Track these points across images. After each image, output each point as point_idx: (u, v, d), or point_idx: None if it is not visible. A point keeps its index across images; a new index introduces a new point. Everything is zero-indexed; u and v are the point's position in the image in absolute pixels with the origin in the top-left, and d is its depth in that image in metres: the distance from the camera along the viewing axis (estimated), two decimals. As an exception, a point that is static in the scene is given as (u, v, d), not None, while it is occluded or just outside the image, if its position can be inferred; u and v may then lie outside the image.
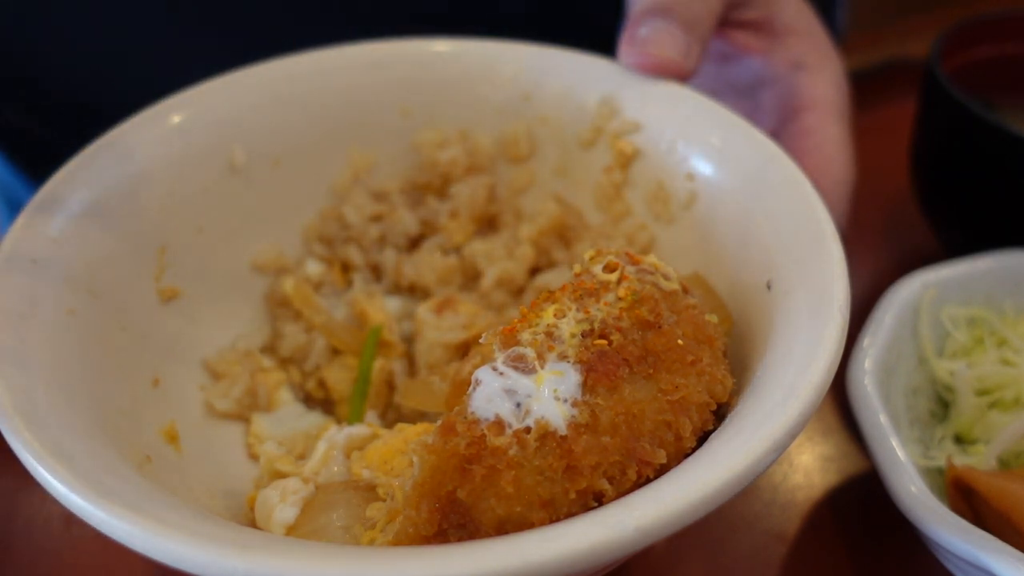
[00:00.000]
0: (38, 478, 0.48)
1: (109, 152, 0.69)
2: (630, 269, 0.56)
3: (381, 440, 0.63)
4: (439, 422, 0.50)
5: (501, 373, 0.50)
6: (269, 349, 0.77)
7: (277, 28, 1.06)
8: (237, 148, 0.76)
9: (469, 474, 0.48)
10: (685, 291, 0.58)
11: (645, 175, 0.77)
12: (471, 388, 0.50)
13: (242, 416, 0.72)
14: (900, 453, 0.66)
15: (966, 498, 0.67)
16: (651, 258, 0.58)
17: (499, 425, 0.48)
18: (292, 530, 0.57)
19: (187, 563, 0.43)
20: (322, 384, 0.75)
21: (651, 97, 0.76)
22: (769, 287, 0.61)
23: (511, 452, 0.47)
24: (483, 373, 0.50)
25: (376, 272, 0.81)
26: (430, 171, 0.83)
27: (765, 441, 0.46)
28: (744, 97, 0.89)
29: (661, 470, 0.49)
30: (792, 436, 0.47)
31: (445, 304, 0.74)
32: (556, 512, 0.48)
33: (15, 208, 0.62)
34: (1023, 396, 0.74)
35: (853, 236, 0.76)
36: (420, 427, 0.63)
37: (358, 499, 0.57)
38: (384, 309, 0.77)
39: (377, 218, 0.82)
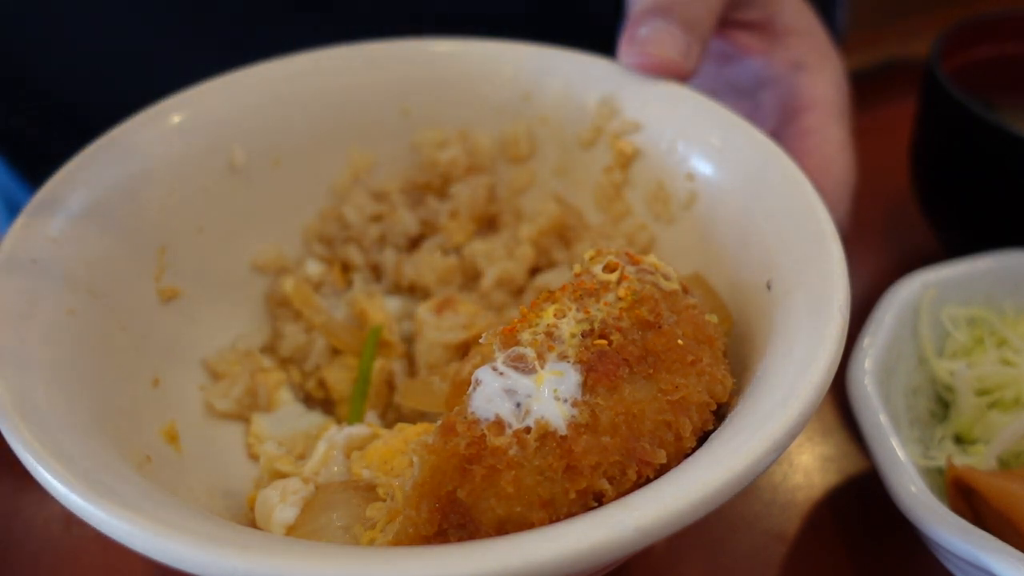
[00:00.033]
0: (38, 478, 0.48)
1: (109, 152, 0.69)
2: (630, 269, 0.56)
3: (381, 440, 0.63)
4: (439, 422, 0.50)
5: (501, 373, 0.50)
6: (269, 349, 0.77)
7: (277, 28, 1.06)
8: (237, 148, 0.76)
9: (469, 474, 0.48)
10: (685, 291, 0.58)
11: (645, 175, 0.77)
12: (471, 388, 0.50)
13: (242, 416, 0.72)
14: (900, 453, 0.66)
15: (966, 498, 0.67)
16: (651, 258, 0.58)
17: (499, 425, 0.48)
18: (292, 530, 0.57)
19: (187, 563, 0.43)
20: (322, 384, 0.75)
21: (651, 97, 0.76)
22: (769, 287, 0.61)
23: (511, 452, 0.47)
24: (483, 373, 0.50)
25: (376, 272, 0.81)
26: (430, 171, 0.83)
27: (765, 441, 0.46)
28: (744, 97, 0.89)
29: (661, 470, 0.49)
30: (792, 436, 0.47)
31: (445, 304, 0.74)
32: (556, 512, 0.48)
33: (14, 211, 0.62)
34: (1023, 396, 0.74)
35: (853, 236, 0.76)
36: (420, 427, 0.63)
37: (358, 499, 0.57)
38: (384, 309, 0.77)
39: (377, 218, 0.82)
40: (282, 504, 0.58)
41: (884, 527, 0.74)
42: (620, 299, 0.54)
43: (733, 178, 0.69)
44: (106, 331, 0.64)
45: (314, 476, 0.63)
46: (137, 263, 0.69)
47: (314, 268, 0.80)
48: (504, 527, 0.48)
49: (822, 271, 0.57)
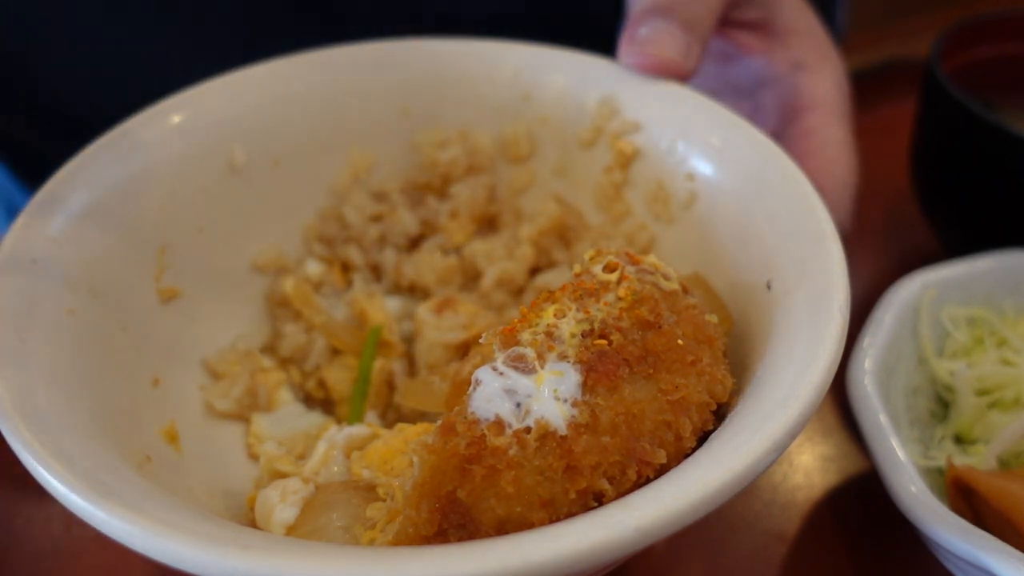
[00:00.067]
0: (38, 478, 0.48)
1: (109, 152, 0.69)
2: (630, 269, 0.56)
3: (381, 440, 0.63)
4: (439, 422, 0.50)
5: (501, 373, 0.50)
6: (269, 349, 0.77)
7: (277, 30, 1.06)
8: (237, 148, 0.76)
9: (469, 474, 0.48)
10: (685, 291, 0.58)
11: (645, 175, 0.77)
12: (471, 388, 0.50)
13: (242, 416, 0.72)
14: (900, 453, 0.66)
15: (966, 498, 0.67)
16: (651, 258, 0.58)
17: (499, 425, 0.48)
18: (292, 530, 0.57)
19: (187, 563, 0.43)
20: (322, 384, 0.75)
21: (651, 97, 0.76)
22: (769, 287, 0.61)
23: (511, 452, 0.47)
24: (483, 373, 0.50)
25: (376, 272, 0.81)
26: (430, 171, 0.83)
27: (765, 441, 0.46)
28: (744, 97, 0.89)
29: (661, 470, 0.49)
30: (792, 436, 0.47)
31: (445, 304, 0.74)
32: (556, 512, 0.48)
33: (13, 214, 0.62)
34: (1023, 396, 0.74)
35: (853, 236, 0.76)
36: (420, 427, 0.63)
37: (358, 499, 0.57)
38: (384, 309, 0.77)
39: (377, 218, 0.82)
40: (282, 504, 0.58)
41: (884, 527, 0.74)
42: (620, 299, 0.54)
43: (733, 178, 0.69)
44: (106, 331, 0.64)
45: (314, 476, 0.63)
46: (137, 263, 0.69)
47: (314, 268, 0.80)
48: (504, 527, 0.48)
49: (822, 271, 0.57)
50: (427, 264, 0.78)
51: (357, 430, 0.65)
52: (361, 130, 0.82)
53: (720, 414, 0.54)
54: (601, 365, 0.50)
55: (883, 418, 0.68)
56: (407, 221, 0.80)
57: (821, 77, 0.83)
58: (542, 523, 0.47)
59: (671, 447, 0.50)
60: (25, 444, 0.49)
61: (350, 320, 0.77)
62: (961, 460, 0.71)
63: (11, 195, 1.23)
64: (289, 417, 0.72)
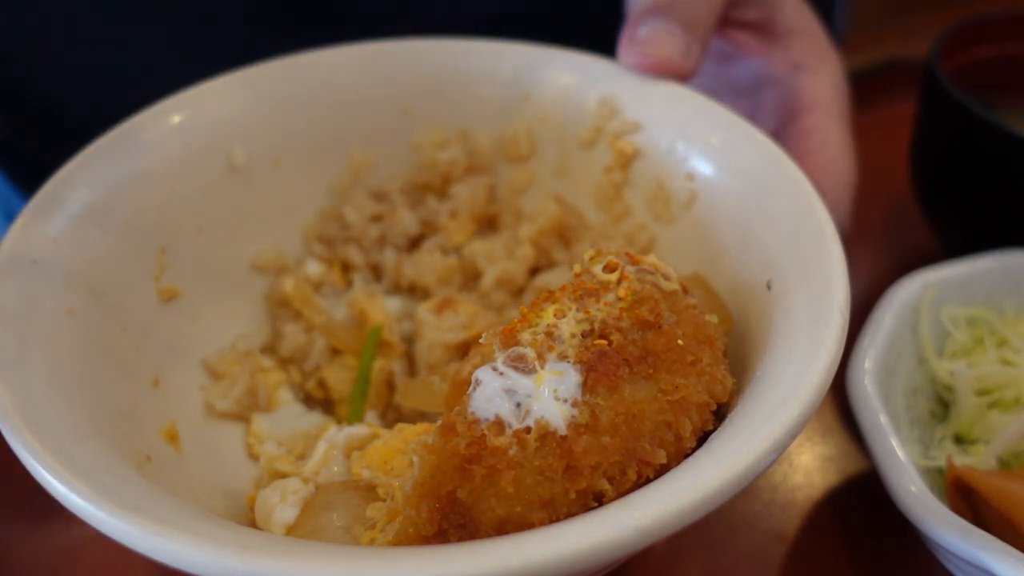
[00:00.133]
0: (38, 478, 0.48)
1: (109, 152, 0.69)
2: (630, 269, 0.56)
3: (381, 440, 0.63)
4: (439, 422, 0.50)
5: (501, 373, 0.50)
6: (269, 349, 0.77)
7: (277, 28, 1.06)
8: (237, 148, 0.76)
9: (469, 474, 0.47)
10: (685, 291, 0.58)
11: (645, 175, 0.77)
12: (471, 388, 0.50)
13: (242, 416, 0.72)
14: (900, 453, 0.66)
15: (966, 498, 0.67)
16: (651, 258, 0.58)
17: (499, 425, 0.48)
18: (292, 530, 0.57)
19: (187, 563, 0.43)
20: (322, 384, 0.75)
21: (651, 97, 0.76)
22: (769, 287, 0.61)
23: (511, 452, 0.47)
24: (483, 373, 0.50)
25: (376, 272, 0.81)
26: (430, 171, 0.83)
27: (765, 441, 0.46)
28: (744, 97, 0.89)
29: (661, 470, 0.49)
30: (792, 436, 0.47)
31: (445, 304, 0.74)
32: (556, 512, 0.48)
33: (11, 220, 0.62)
34: (1023, 396, 0.74)
35: (853, 236, 0.76)
36: (420, 427, 0.63)
37: (358, 499, 0.57)
38: (384, 309, 0.77)
39: (377, 218, 0.82)
40: (282, 504, 0.58)
41: (884, 527, 0.74)
42: (620, 299, 0.54)
43: (733, 178, 0.69)
44: (106, 331, 0.64)
45: (314, 476, 0.63)
46: (137, 263, 0.69)
47: (314, 268, 0.80)
48: (504, 527, 0.48)
49: (822, 271, 0.57)
50: (427, 264, 0.78)
51: (357, 430, 0.65)
52: (361, 130, 0.82)
53: (720, 414, 0.54)
54: (601, 365, 0.50)
55: (883, 418, 0.68)
56: (407, 221, 0.80)
57: (820, 78, 0.83)
58: (542, 523, 0.47)
59: (671, 447, 0.50)
60: (25, 444, 0.49)
61: (350, 320, 0.77)
62: (961, 460, 0.71)
63: (9, 200, 1.23)
64: (289, 417, 0.72)
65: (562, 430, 0.48)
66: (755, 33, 0.87)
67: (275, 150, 0.78)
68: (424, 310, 0.75)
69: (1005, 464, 0.72)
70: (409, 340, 0.76)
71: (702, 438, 0.52)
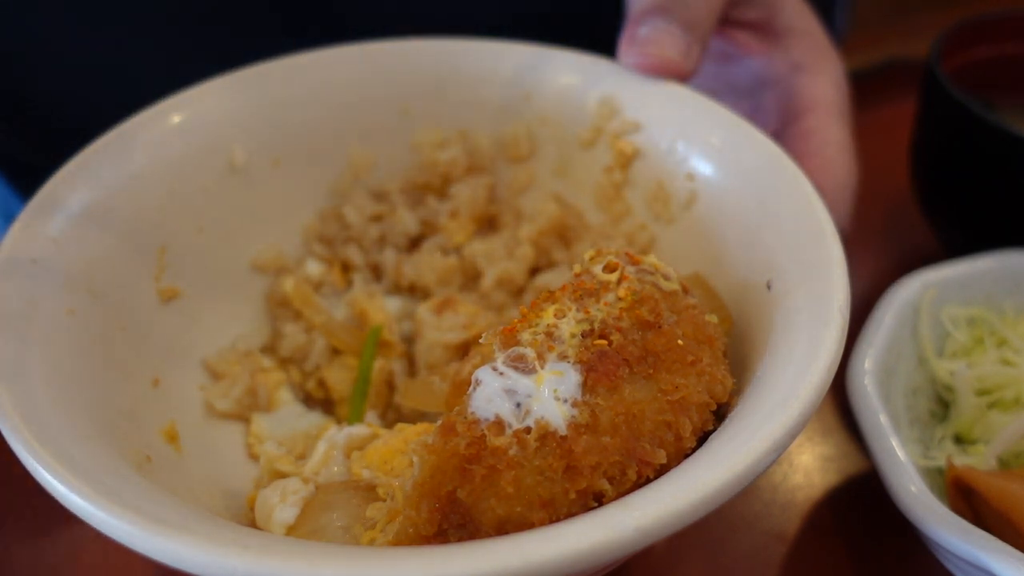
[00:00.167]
0: (38, 478, 0.48)
1: (109, 152, 0.69)
2: (630, 269, 0.56)
3: (381, 440, 0.63)
4: (439, 422, 0.50)
5: (501, 373, 0.50)
6: (269, 349, 0.77)
7: (277, 29, 1.06)
8: (237, 148, 0.76)
9: (469, 474, 0.48)
10: (685, 291, 0.58)
11: (645, 175, 0.77)
12: (471, 388, 0.50)
13: (242, 416, 0.72)
14: (900, 453, 0.66)
15: (966, 498, 0.67)
16: (651, 258, 0.58)
17: (499, 425, 0.48)
18: (292, 530, 0.57)
19: (187, 563, 0.43)
20: (322, 384, 0.75)
21: (651, 97, 0.76)
22: (769, 287, 0.61)
23: (511, 452, 0.47)
24: (483, 373, 0.50)
25: (376, 272, 0.81)
26: (430, 171, 0.83)
27: (765, 441, 0.46)
28: (744, 98, 0.89)
29: (661, 470, 0.49)
30: (792, 436, 0.47)
31: (445, 304, 0.74)
32: (556, 512, 0.48)
33: (10, 220, 0.62)
34: (1023, 396, 0.74)
35: (853, 236, 0.76)
36: (420, 427, 0.63)
37: (358, 499, 0.57)
38: (384, 309, 0.77)
39: (377, 218, 0.82)
40: (282, 504, 0.58)
41: (884, 527, 0.74)
42: (620, 299, 0.54)
43: (733, 178, 0.69)
44: (106, 331, 0.64)
45: (314, 476, 0.63)
46: (137, 263, 0.69)
47: (314, 268, 0.80)
48: (504, 527, 0.48)
49: (822, 271, 0.57)
50: (427, 264, 0.78)
51: (357, 430, 0.65)
52: (361, 130, 0.82)
53: (720, 414, 0.54)
54: (601, 365, 0.50)
55: (883, 418, 0.68)
56: (407, 221, 0.80)
57: (820, 78, 0.83)
58: (542, 523, 0.47)
59: (671, 447, 0.50)
60: (25, 444, 0.49)
61: (350, 320, 0.77)
62: (961, 460, 0.71)
63: (8, 202, 1.23)
64: (289, 417, 0.72)
65: (562, 430, 0.48)
66: (755, 33, 0.87)
67: (275, 150, 0.78)
68: (424, 310, 0.75)
69: (1005, 464, 0.72)
70: (409, 340, 0.76)
71: (702, 438, 0.52)
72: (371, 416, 0.72)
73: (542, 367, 0.50)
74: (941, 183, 0.93)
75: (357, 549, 0.49)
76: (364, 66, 0.81)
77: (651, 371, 0.51)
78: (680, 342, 0.53)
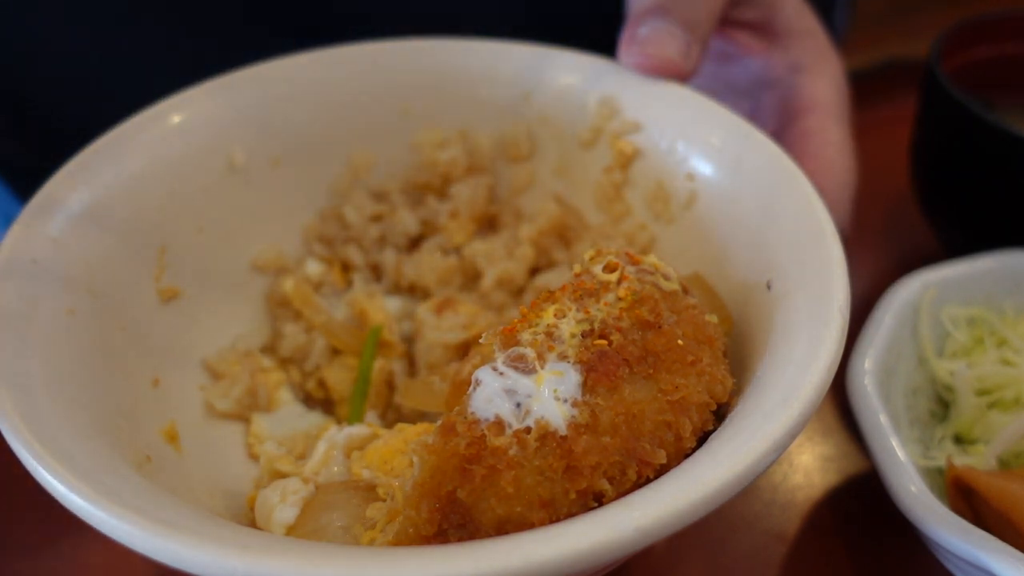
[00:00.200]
0: (38, 478, 0.48)
1: (109, 152, 0.69)
2: (630, 269, 0.56)
3: (381, 440, 0.63)
4: (439, 422, 0.50)
5: (501, 373, 0.50)
6: (269, 349, 0.77)
7: (277, 28, 1.06)
8: (237, 148, 0.76)
9: (469, 474, 0.47)
10: (685, 291, 0.58)
11: (645, 175, 0.77)
12: (471, 388, 0.50)
13: (242, 416, 0.72)
14: (900, 453, 0.66)
15: (966, 498, 0.67)
16: (651, 258, 0.58)
17: (499, 425, 0.48)
18: (292, 530, 0.57)
19: (187, 563, 0.43)
20: (322, 384, 0.75)
21: (651, 97, 0.76)
22: (769, 287, 0.61)
23: (511, 452, 0.47)
24: (483, 373, 0.50)
25: (376, 272, 0.81)
26: (430, 171, 0.83)
27: (765, 441, 0.46)
28: (744, 98, 0.89)
29: (661, 470, 0.49)
30: (792, 436, 0.47)
31: (445, 304, 0.74)
32: (556, 512, 0.48)
33: (10, 221, 0.62)
34: (1023, 396, 0.74)
35: (853, 236, 0.76)
36: (420, 427, 0.63)
37: (358, 499, 0.57)
38: (384, 309, 0.77)
39: (377, 218, 0.82)
40: (282, 504, 0.58)
41: (884, 527, 0.74)
42: (620, 299, 0.54)
43: (733, 178, 0.69)
44: (106, 331, 0.64)
45: (314, 476, 0.63)
46: (137, 263, 0.69)
47: (314, 268, 0.80)
48: (504, 527, 0.48)
49: (822, 271, 0.57)
50: (427, 264, 0.78)
51: (357, 430, 0.65)
52: (361, 130, 0.82)
53: (720, 414, 0.54)
54: (601, 365, 0.50)
55: (883, 418, 0.68)
56: (407, 221, 0.80)
57: (820, 78, 0.83)
58: (542, 523, 0.47)
59: (671, 447, 0.50)
60: (25, 444, 0.49)
61: (350, 320, 0.77)
62: (961, 460, 0.71)
63: (7, 202, 1.23)
64: (289, 417, 0.72)
65: (562, 430, 0.48)
66: (755, 33, 0.87)
67: (275, 150, 0.78)
68: (424, 310, 0.75)
69: (1005, 464, 0.72)
70: (409, 340, 0.76)
71: (702, 438, 0.52)
72: (371, 416, 0.72)
73: (542, 367, 0.50)
74: (941, 183, 0.93)
75: (357, 549, 0.49)
76: (364, 66, 0.81)
77: (651, 371, 0.51)
78: (680, 342, 0.53)
